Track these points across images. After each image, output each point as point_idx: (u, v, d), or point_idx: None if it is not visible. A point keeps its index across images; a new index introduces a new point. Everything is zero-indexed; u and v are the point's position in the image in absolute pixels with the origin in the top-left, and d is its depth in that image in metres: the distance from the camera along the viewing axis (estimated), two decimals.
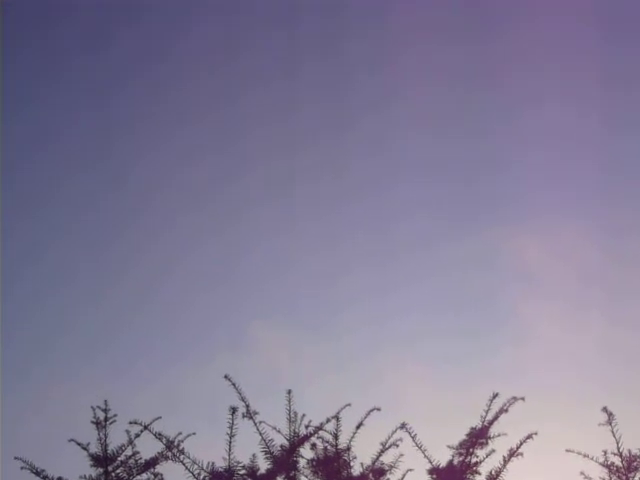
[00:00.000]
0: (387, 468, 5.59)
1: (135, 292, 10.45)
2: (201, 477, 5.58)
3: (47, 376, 9.28)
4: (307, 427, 5.65)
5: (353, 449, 5.64)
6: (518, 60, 10.42)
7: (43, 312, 10.26)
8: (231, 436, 5.58)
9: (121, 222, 10.69)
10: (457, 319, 9.95)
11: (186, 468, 5.59)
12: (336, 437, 5.62)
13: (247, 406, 5.59)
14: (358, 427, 5.62)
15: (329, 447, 5.63)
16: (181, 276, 10.52)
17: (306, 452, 5.68)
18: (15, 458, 5.63)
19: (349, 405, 5.62)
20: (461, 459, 5.52)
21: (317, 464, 5.63)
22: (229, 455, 5.59)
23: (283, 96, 10.54)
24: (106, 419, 5.72)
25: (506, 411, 5.54)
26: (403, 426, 5.50)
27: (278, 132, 10.63)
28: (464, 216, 10.50)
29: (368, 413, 5.59)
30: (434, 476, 5.49)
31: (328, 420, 5.63)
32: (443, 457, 5.54)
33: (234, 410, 5.57)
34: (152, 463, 5.69)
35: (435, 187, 10.63)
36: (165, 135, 10.72)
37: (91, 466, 5.71)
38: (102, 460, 5.69)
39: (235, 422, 5.58)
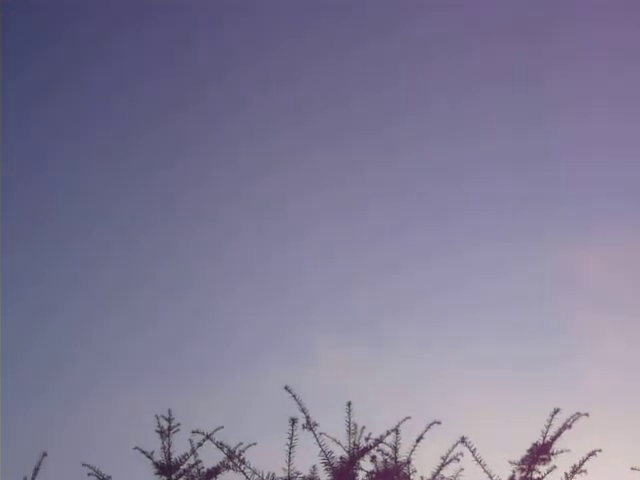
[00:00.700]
0: None
1: (202, 302, 10.56)
2: None
3: (112, 386, 9.42)
4: (367, 439, 5.64)
5: (413, 462, 5.62)
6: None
7: (105, 326, 10.42)
8: (291, 447, 5.59)
9: (180, 236, 10.82)
10: (515, 324, 9.85)
11: (247, 478, 5.63)
12: (396, 450, 5.61)
13: (307, 417, 5.59)
14: (418, 440, 5.58)
15: (389, 460, 5.62)
16: (246, 288, 10.60)
17: (366, 464, 5.67)
18: (83, 465, 5.73)
19: (409, 418, 5.61)
20: (522, 475, 5.46)
21: (377, 477, 5.62)
22: (289, 466, 5.60)
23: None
24: (169, 428, 5.79)
25: (569, 427, 5.46)
26: (463, 440, 5.46)
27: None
28: (527, 218, 10.37)
29: (428, 427, 5.55)
30: None
31: (388, 433, 5.61)
32: (503, 472, 5.50)
33: (294, 421, 5.58)
34: (214, 472, 5.73)
35: (501, 185, 10.53)
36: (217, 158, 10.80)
37: (155, 474, 5.78)
38: (166, 468, 5.75)
39: (295, 433, 5.59)
